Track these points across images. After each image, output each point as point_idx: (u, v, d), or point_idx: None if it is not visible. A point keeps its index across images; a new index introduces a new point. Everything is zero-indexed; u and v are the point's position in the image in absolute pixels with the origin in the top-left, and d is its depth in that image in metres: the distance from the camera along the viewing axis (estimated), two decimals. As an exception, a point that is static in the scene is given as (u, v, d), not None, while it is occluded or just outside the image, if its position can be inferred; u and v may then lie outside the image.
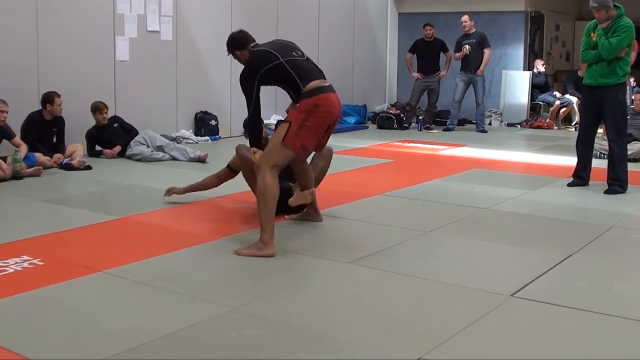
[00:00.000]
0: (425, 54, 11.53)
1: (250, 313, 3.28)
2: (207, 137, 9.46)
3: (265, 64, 4.40)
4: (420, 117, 11.56)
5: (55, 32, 7.81)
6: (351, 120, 11.78)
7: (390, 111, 11.95)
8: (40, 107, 7.31)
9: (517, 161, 8.45)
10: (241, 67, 4.60)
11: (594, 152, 6.80)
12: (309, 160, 4.97)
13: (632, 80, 10.59)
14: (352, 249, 4.36)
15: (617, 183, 6.27)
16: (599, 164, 6.92)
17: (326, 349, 2.92)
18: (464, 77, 11.25)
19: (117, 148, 7.91)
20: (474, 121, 11.52)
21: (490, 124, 12.21)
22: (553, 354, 2.91)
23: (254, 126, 4.53)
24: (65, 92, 7.55)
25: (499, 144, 9.84)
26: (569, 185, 6.54)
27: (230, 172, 5.43)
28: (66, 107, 7.47)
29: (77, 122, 7.82)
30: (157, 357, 2.81)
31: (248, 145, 4.67)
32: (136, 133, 8.10)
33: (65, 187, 6.53)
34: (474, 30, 11.22)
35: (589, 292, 3.68)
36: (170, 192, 5.51)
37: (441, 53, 11.55)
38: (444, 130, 11.27)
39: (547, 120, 12.05)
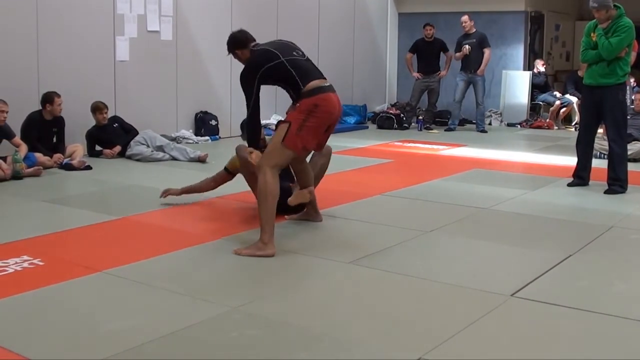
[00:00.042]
0: (425, 54, 11.53)
1: (250, 313, 3.28)
2: (207, 137, 9.47)
3: (266, 63, 4.40)
4: (420, 117, 11.56)
5: (55, 32, 7.81)
6: (351, 120, 11.78)
7: (390, 111, 11.95)
8: (40, 107, 7.32)
9: (517, 161, 8.45)
10: (241, 66, 4.60)
11: (594, 152, 6.80)
12: (308, 159, 4.97)
13: (632, 80, 10.59)
14: (352, 249, 4.36)
15: (617, 183, 6.27)
16: (599, 164, 6.92)
17: (326, 349, 2.92)
18: (464, 77, 11.25)
19: (117, 148, 7.91)
20: (474, 121, 11.52)
21: (490, 124, 12.21)
22: (553, 354, 2.91)
23: (252, 125, 4.53)
24: (65, 92, 7.55)
25: (499, 144, 9.84)
26: (569, 185, 6.54)
27: (227, 174, 5.42)
28: (66, 107, 7.47)
29: (77, 122, 7.82)
30: (157, 357, 2.81)
31: (246, 145, 4.67)
32: (136, 133, 8.10)
33: (65, 187, 6.53)
34: (474, 30, 11.23)
35: (589, 292, 3.68)
36: (166, 193, 5.50)
37: (441, 53, 11.55)
38: (445, 130, 11.26)
39: (547, 120, 12.05)
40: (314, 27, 11.46)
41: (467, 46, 11.08)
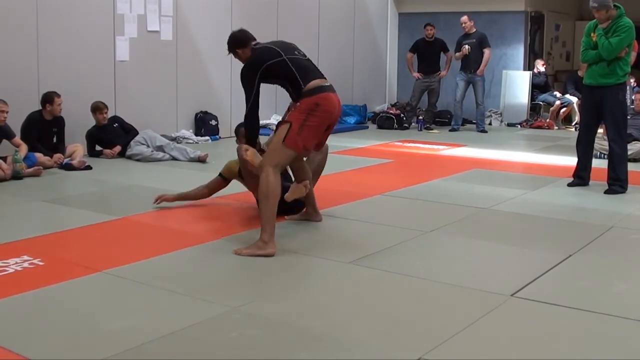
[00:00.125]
0: (425, 54, 11.53)
1: (250, 313, 3.28)
2: (207, 137, 9.47)
3: (267, 60, 4.41)
4: (421, 117, 11.56)
5: (55, 32, 7.82)
6: (351, 120, 11.78)
7: (391, 111, 11.95)
8: (40, 107, 7.32)
9: (517, 161, 8.45)
10: (242, 66, 4.60)
11: (594, 152, 6.80)
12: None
13: (632, 80, 10.59)
14: (352, 249, 4.36)
15: (617, 183, 6.27)
16: (599, 164, 6.92)
17: (326, 349, 2.92)
18: (463, 77, 11.26)
19: (117, 148, 7.91)
20: (474, 121, 11.52)
21: (490, 124, 12.21)
22: (553, 354, 2.91)
23: (251, 122, 4.52)
24: (65, 92, 7.55)
25: (499, 144, 9.85)
26: (569, 185, 6.54)
27: (221, 181, 5.39)
28: (66, 107, 7.47)
29: (77, 122, 7.82)
30: (157, 357, 2.81)
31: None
32: (136, 133, 8.10)
33: (65, 187, 6.53)
34: (474, 30, 11.23)
35: (589, 292, 3.68)
36: (160, 198, 5.44)
37: (442, 53, 11.55)
38: (449, 130, 11.25)
39: (547, 120, 12.05)
40: (314, 27, 11.46)
41: (466, 46, 11.08)
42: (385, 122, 11.68)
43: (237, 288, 3.74)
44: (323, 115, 4.36)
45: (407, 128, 11.59)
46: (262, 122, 4.62)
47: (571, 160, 7.00)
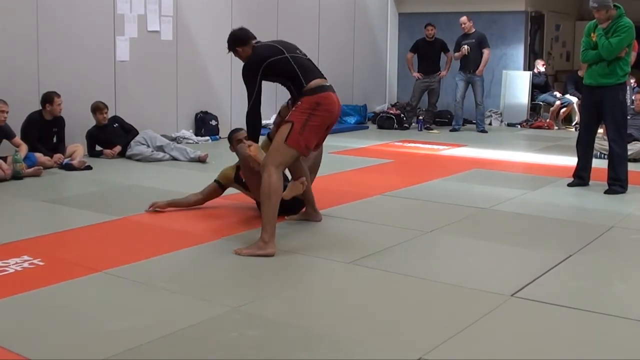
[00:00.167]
0: (426, 54, 11.53)
1: (250, 313, 3.28)
2: (208, 137, 9.47)
3: (269, 57, 4.41)
4: (421, 117, 11.56)
5: (55, 32, 7.82)
6: (351, 120, 11.78)
7: (391, 111, 11.95)
8: (40, 107, 7.32)
9: (517, 161, 8.45)
10: (242, 65, 4.58)
11: (594, 152, 6.80)
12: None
13: (632, 80, 10.59)
14: (352, 249, 4.36)
15: (617, 183, 6.27)
16: (599, 164, 6.92)
17: (326, 349, 2.92)
18: (462, 77, 11.26)
19: (118, 148, 7.91)
20: (474, 121, 11.52)
21: (490, 124, 12.22)
22: (553, 354, 2.91)
23: (253, 119, 4.51)
24: (65, 92, 7.55)
25: (499, 144, 9.85)
26: (569, 185, 6.54)
27: (217, 187, 5.35)
28: (66, 107, 7.47)
29: (77, 122, 7.82)
30: (157, 357, 2.81)
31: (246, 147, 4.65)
32: (136, 133, 8.10)
33: (65, 187, 6.53)
34: (474, 30, 11.23)
35: (589, 292, 3.68)
36: (152, 206, 5.33)
37: (442, 53, 11.55)
38: (450, 131, 11.25)
39: (548, 120, 12.05)
40: (314, 27, 11.47)
41: (466, 46, 11.08)
42: (386, 122, 11.68)
43: (237, 288, 3.74)
44: (324, 114, 4.36)
45: (407, 128, 11.59)
46: (262, 122, 4.61)
47: (571, 160, 7.00)
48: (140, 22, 8.73)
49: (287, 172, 4.85)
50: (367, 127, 11.81)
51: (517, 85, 12.24)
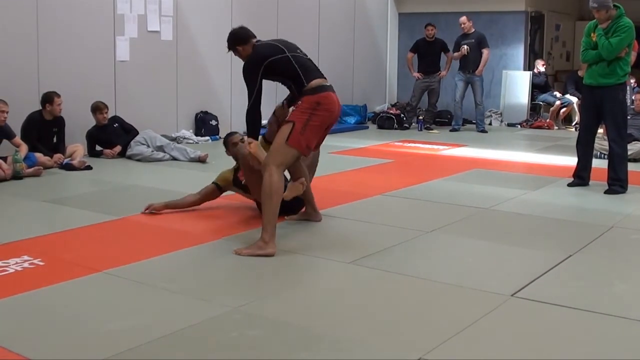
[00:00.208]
0: (426, 54, 11.53)
1: (250, 313, 3.28)
2: (208, 137, 9.47)
3: (270, 56, 4.40)
4: (421, 117, 11.56)
5: (55, 32, 7.82)
6: (351, 120, 11.78)
7: (391, 111, 11.95)
8: (40, 107, 7.32)
9: (517, 161, 8.45)
10: (242, 65, 4.58)
11: (594, 152, 6.80)
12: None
13: (632, 80, 10.59)
14: (352, 249, 4.36)
15: (617, 183, 6.27)
16: (599, 164, 6.92)
17: (326, 349, 2.92)
18: (462, 77, 11.26)
19: (118, 148, 7.91)
20: (474, 121, 11.52)
21: (490, 124, 12.22)
22: (553, 354, 2.91)
23: (253, 117, 4.50)
24: (65, 92, 7.55)
25: (499, 144, 9.85)
26: (569, 185, 6.54)
27: (215, 189, 5.33)
28: (66, 107, 7.47)
29: (77, 122, 7.82)
30: (157, 357, 2.81)
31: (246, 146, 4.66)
32: (136, 133, 8.10)
33: (65, 187, 6.53)
34: (473, 30, 11.23)
35: (589, 292, 3.68)
36: (149, 208, 5.29)
37: (442, 53, 11.55)
38: (450, 131, 11.25)
39: (548, 120, 12.05)
40: (314, 27, 11.46)
41: (465, 46, 11.08)
42: (386, 122, 11.68)
43: (237, 288, 3.74)
44: (324, 114, 4.36)
45: (407, 128, 11.59)
46: (262, 122, 4.61)
47: (571, 160, 7.00)
48: (141, 22, 8.73)
49: (286, 172, 4.86)
50: (367, 127, 11.81)
51: (517, 85, 12.24)
